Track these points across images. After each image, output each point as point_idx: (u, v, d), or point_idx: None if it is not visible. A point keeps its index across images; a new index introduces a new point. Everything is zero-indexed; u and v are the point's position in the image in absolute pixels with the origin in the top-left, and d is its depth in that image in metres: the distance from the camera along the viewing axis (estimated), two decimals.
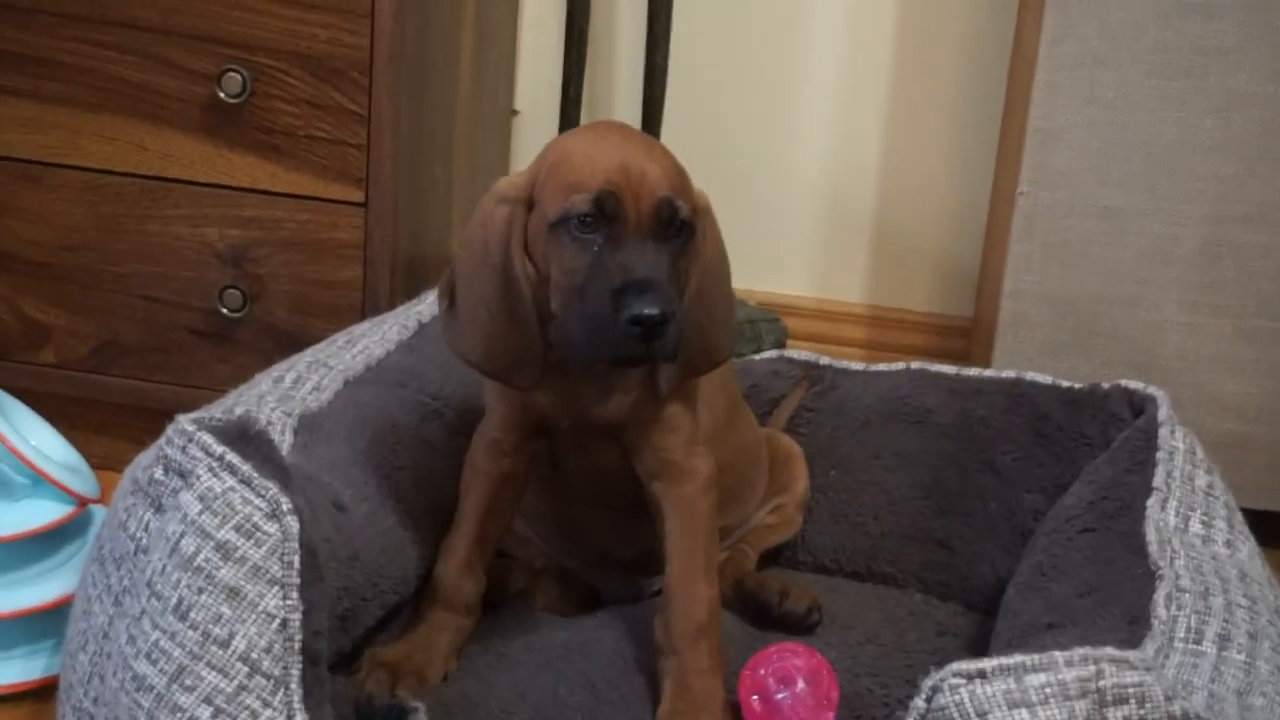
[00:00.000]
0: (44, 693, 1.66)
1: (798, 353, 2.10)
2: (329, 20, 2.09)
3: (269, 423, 1.64)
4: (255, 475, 1.33)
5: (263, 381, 1.77)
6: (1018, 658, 1.17)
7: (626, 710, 1.55)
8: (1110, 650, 1.19)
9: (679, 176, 1.51)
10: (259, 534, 1.31)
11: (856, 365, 2.05)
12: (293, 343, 2.06)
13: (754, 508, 1.88)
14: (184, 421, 1.39)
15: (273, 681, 1.27)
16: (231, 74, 2.11)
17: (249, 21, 2.10)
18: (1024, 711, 1.14)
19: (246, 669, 1.27)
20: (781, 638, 1.65)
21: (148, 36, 2.12)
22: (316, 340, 1.90)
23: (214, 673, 1.27)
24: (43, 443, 1.80)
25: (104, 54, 2.13)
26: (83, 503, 1.78)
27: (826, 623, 1.75)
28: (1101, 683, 1.17)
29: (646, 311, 1.41)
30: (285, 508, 1.32)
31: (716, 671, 1.55)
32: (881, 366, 2.04)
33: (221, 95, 2.11)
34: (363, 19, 2.08)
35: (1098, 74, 2.18)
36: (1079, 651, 1.18)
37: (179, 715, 1.26)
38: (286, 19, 2.09)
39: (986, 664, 1.17)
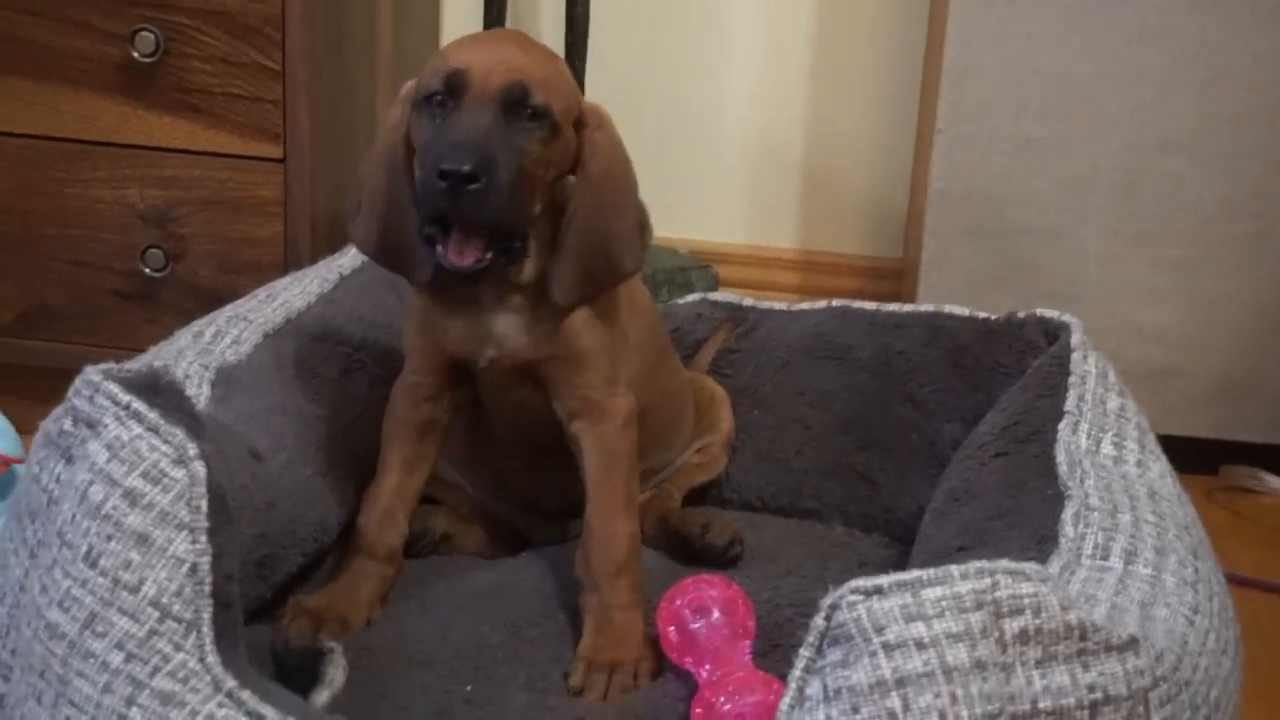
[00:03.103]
0: None
1: (721, 295, 2.11)
2: None
3: (186, 376, 1.64)
4: (162, 422, 1.33)
5: (182, 337, 1.78)
6: (914, 573, 1.18)
7: (548, 646, 1.56)
8: (1005, 563, 1.20)
9: (550, 76, 1.51)
10: (166, 480, 1.31)
11: (779, 305, 2.06)
12: (217, 301, 2.05)
13: (679, 451, 1.89)
14: (91, 372, 1.39)
15: (184, 625, 1.27)
16: (144, 33, 2.11)
17: None
18: (920, 625, 1.15)
19: (157, 613, 1.27)
20: (704, 572, 1.66)
21: None
22: (240, 297, 1.91)
23: (125, 618, 1.27)
24: None
25: (15, 18, 2.14)
26: (6, 463, 1.79)
27: (749, 556, 1.77)
28: (997, 594, 1.18)
29: (448, 166, 1.43)
30: (192, 453, 1.32)
31: (636, 606, 1.57)
32: (804, 305, 2.05)
33: (135, 55, 2.12)
34: None
35: (1010, 10, 2.20)
36: (974, 565, 1.19)
37: (91, 661, 1.26)
38: None
39: (883, 580, 1.17)
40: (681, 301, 2.12)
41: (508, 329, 1.59)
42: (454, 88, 1.48)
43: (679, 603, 1.51)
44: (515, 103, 1.48)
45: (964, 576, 1.18)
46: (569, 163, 1.55)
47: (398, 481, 1.65)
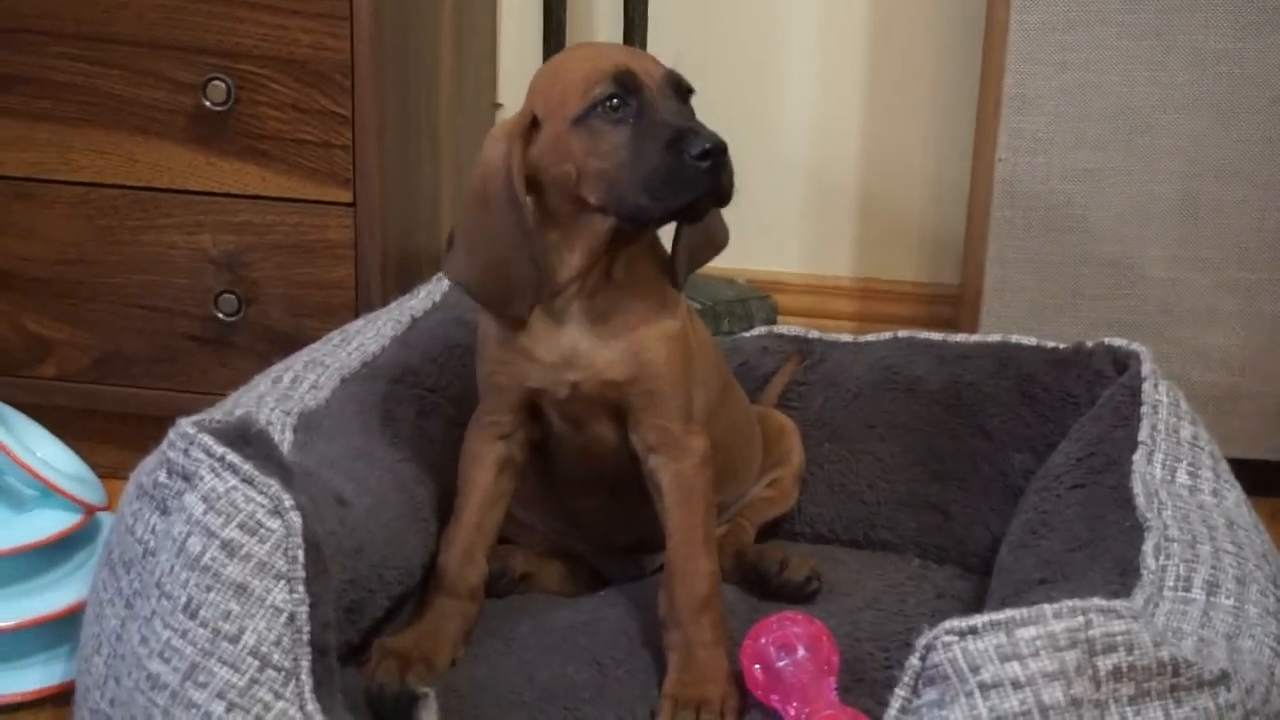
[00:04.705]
0: (63, 698, 1.68)
1: (787, 328, 2.12)
2: (310, 25, 2.12)
3: (268, 422, 1.66)
4: (256, 474, 1.36)
5: (261, 382, 1.80)
6: (1008, 613, 1.20)
7: (633, 685, 1.58)
8: (1098, 600, 1.22)
9: None
10: (263, 530, 1.33)
11: (845, 337, 2.08)
12: (290, 343, 2.09)
13: (750, 484, 1.90)
14: (185, 424, 1.41)
15: (283, 674, 1.30)
16: (216, 82, 2.14)
17: (231, 30, 2.13)
18: (1015, 664, 1.17)
19: (257, 663, 1.29)
20: (782, 607, 1.66)
21: (132, 50, 2.15)
22: (313, 340, 1.92)
23: (225, 668, 1.29)
24: (48, 454, 1.83)
25: (90, 69, 2.17)
26: (90, 511, 1.81)
27: (826, 590, 1.78)
28: (1090, 632, 1.20)
29: (711, 145, 1.48)
30: (287, 504, 1.34)
31: (720, 643, 1.58)
32: (870, 337, 2.06)
33: (207, 104, 2.15)
34: (343, 22, 2.11)
35: (1068, 39, 2.20)
36: (1067, 603, 1.21)
37: (194, 711, 1.28)
38: (268, 25, 2.12)
39: (978, 620, 1.19)
40: (747, 335, 2.13)
41: (590, 346, 1.60)
42: (629, 85, 1.52)
43: (764, 640, 1.52)
44: (679, 86, 1.56)
45: (1057, 615, 1.19)
46: None
47: (476, 519, 1.67)
